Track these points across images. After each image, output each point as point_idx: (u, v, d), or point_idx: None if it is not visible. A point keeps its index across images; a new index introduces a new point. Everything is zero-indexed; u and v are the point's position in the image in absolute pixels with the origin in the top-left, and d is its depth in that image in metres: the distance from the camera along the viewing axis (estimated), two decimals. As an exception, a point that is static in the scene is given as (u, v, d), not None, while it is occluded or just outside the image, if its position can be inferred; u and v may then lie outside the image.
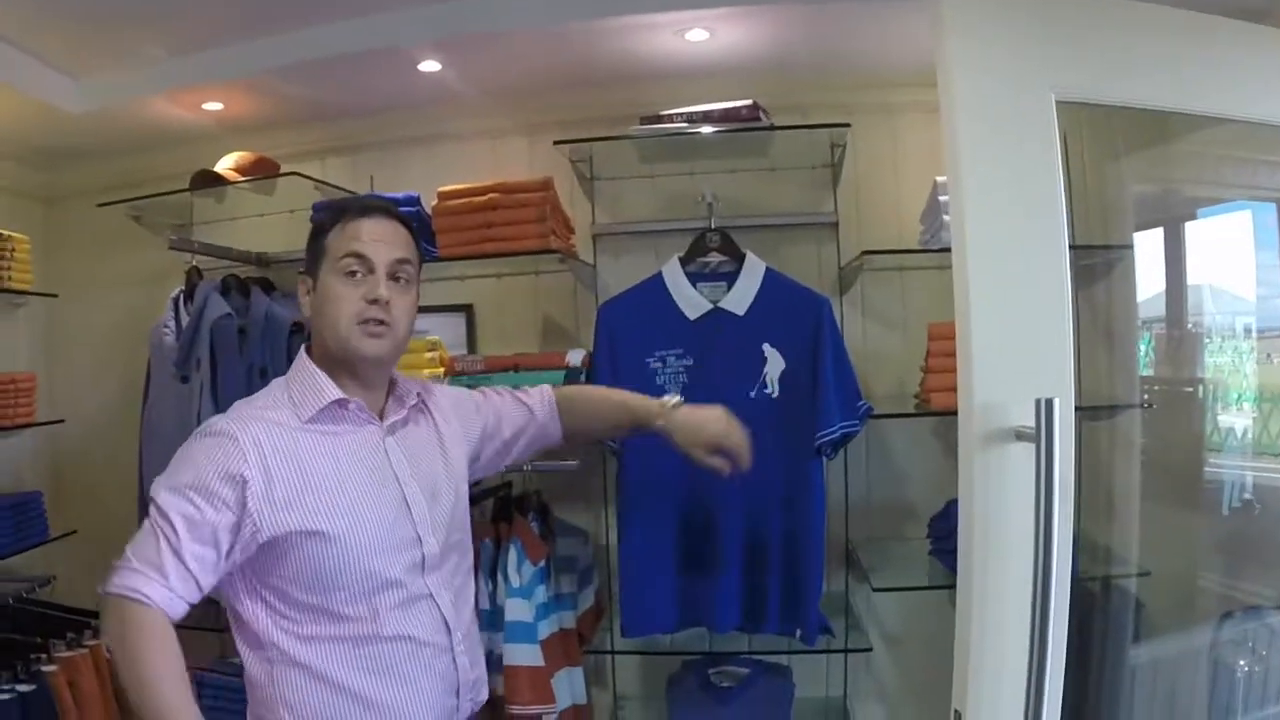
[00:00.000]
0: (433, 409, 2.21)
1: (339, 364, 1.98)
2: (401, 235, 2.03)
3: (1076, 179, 3.09)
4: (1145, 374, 3.31)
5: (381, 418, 2.05)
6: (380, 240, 1.97)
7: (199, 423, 3.17)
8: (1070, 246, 2.98)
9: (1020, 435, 2.01)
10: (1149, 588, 3.01)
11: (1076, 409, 2.83)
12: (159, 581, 1.69)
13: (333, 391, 1.95)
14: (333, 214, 2.04)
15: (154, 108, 3.70)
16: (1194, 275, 3.16)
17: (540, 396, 2.48)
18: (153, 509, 1.77)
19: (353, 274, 1.95)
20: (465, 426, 2.30)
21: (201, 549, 1.74)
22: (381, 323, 1.94)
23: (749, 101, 3.22)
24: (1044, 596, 1.91)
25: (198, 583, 1.74)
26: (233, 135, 3.94)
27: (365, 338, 1.94)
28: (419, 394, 2.17)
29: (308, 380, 1.98)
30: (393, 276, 1.97)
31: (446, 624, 1.99)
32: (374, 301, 1.93)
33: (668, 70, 3.46)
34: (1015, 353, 2.10)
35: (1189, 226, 3.19)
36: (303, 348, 2.06)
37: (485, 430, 2.35)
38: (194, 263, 3.62)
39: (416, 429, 2.14)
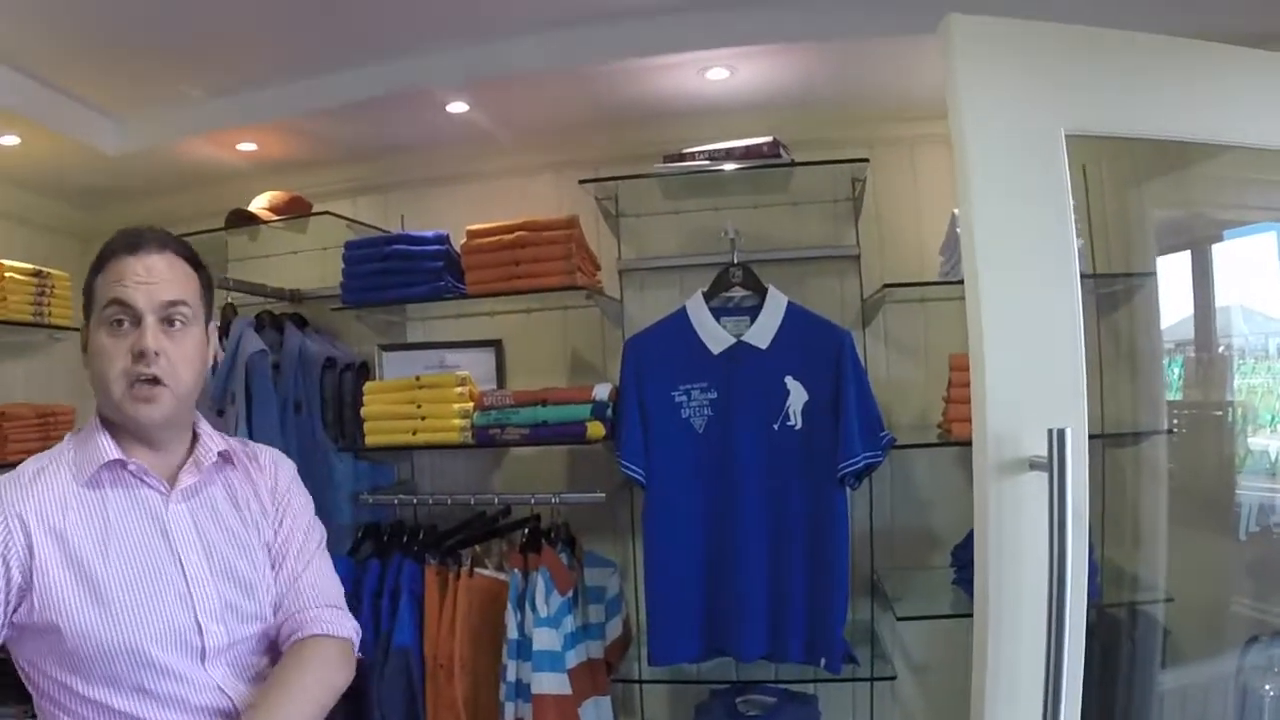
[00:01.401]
0: (248, 470, 1.94)
1: (120, 425, 1.75)
2: (178, 270, 1.76)
3: (1096, 207, 3.12)
4: (1174, 398, 3.31)
5: (174, 481, 1.78)
6: (146, 281, 1.70)
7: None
8: (1091, 275, 3.03)
9: (1034, 465, 2.03)
10: (1174, 614, 3.02)
11: (1099, 436, 2.87)
12: None
13: (110, 452, 1.71)
14: (105, 249, 1.76)
15: (190, 148, 3.78)
16: (1223, 297, 3.17)
17: (299, 620, 1.88)
18: None
19: (119, 323, 1.69)
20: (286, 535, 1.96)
21: None
22: (155, 381, 1.69)
23: (769, 138, 3.26)
24: (1058, 624, 1.93)
25: None
26: (266, 174, 4.04)
27: (137, 402, 1.69)
28: (222, 453, 1.87)
29: (89, 437, 1.74)
30: (166, 320, 1.71)
31: (237, 715, 1.70)
32: (141, 355, 1.67)
33: (690, 108, 3.51)
34: (1028, 383, 2.12)
35: (1215, 249, 3.19)
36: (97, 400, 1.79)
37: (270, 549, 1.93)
38: (229, 299, 3.70)
39: (216, 494, 1.85)
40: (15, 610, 1.61)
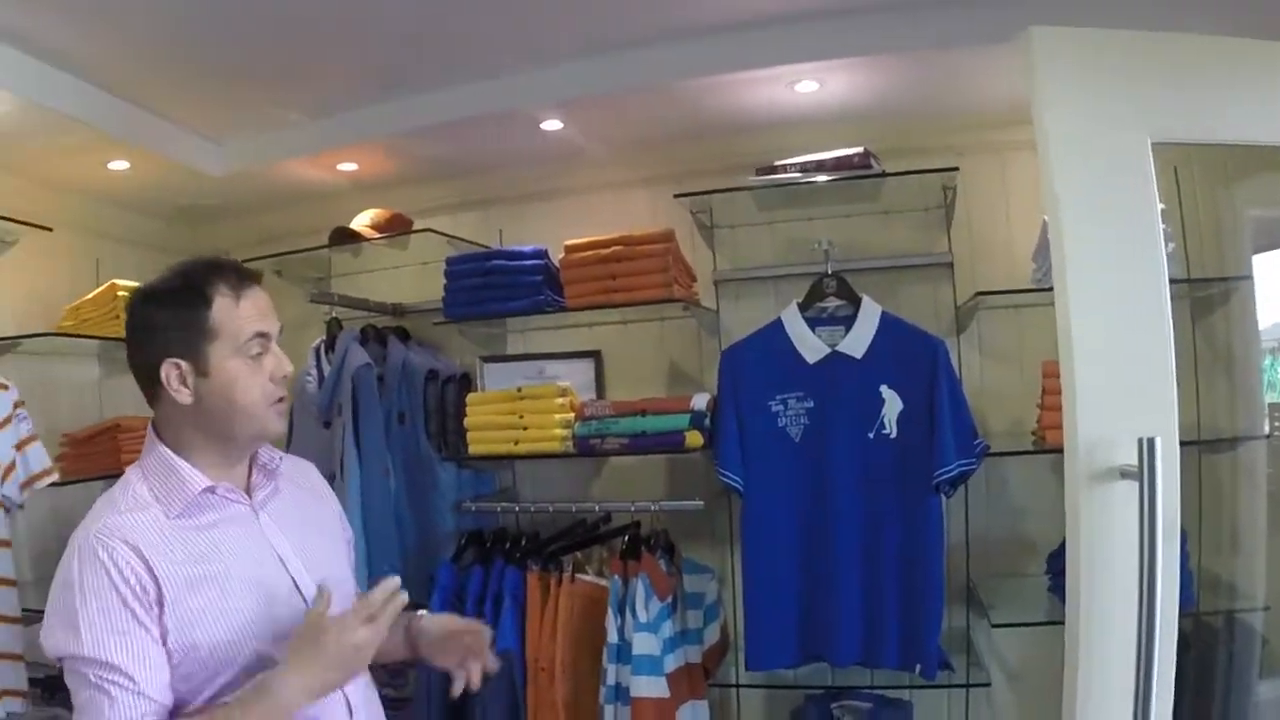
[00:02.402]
0: (296, 478, 2.04)
1: (216, 445, 1.79)
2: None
3: (1189, 209, 3.09)
4: (1277, 400, 3.26)
5: (249, 493, 1.86)
6: (269, 311, 1.81)
7: (341, 467, 3.34)
8: (1184, 279, 3.00)
9: (1125, 473, 2.05)
10: (1274, 622, 2.99)
11: (1194, 443, 2.85)
12: None
13: (199, 481, 1.75)
14: (207, 282, 1.77)
15: (291, 169, 3.90)
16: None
17: None
18: (74, 665, 1.61)
19: (258, 355, 1.78)
20: (341, 524, 2.15)
21: (151, 671, 1.61)
22: (283, 399, 1.82)
23: (860, 149, 3.27)
24: (1149, 633, 1.94)
25: (164, 705, 1.63)
26: (367, 192, 4.14)
27: (277, 419, 1.81)
28: (280, 458, 1.96)
29: (168, 472, 1.75)
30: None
31: (348, 702, 1.82)
32: (284, 378, 1.80)
33: (780, 120, 3.53)
34: (1118, 391, 2.15)
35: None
36: (151, 431, 1.81)
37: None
38: (333, 314, 3.81)
39: (286, 500, 1.94)
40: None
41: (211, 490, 1.77)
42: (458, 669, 1.98)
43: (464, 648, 1.98)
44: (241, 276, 1.80)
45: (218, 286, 1.77)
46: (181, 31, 2.90)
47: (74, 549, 1.66)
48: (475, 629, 1.99)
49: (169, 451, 1.77)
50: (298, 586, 1.80)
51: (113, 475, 3.48)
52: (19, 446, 3.06)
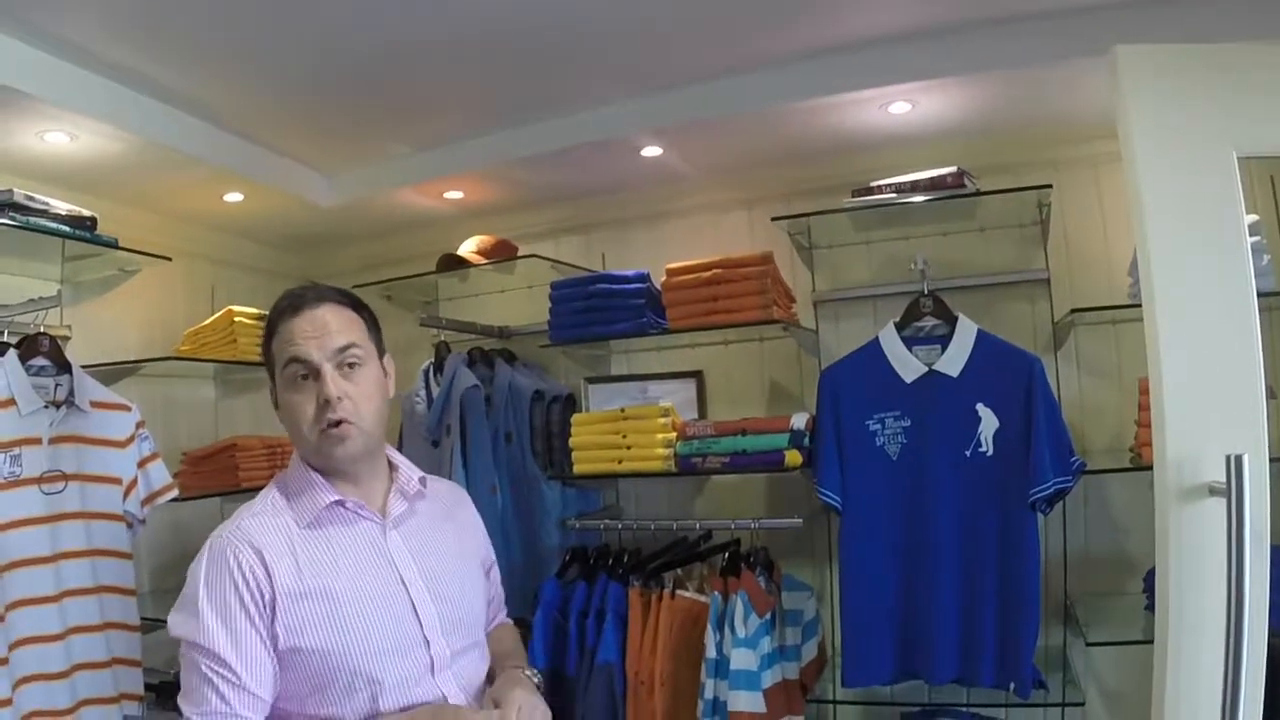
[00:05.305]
0: (443, 502, 2.14)
1: (323, 467, 1.91)
2: (342, 318, 1.91)
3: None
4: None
5: (384, 512, 1.95)
6: (315, 336, 1.85)
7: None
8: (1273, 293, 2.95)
9: (1214, 490, 2.05)
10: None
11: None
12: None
13: (328, 494, 1.87)
14: (274, 313, 1.93)
15: (398, 198, 4.05)
16: None
17: (496, 613, 2.34)
18: (189, 650, 1.73)
19: (302, 378, 1.85)
20: (483, 552, 2.25)
21: (257, 669, 1.72)
22: (342, 422, 1.84)
23: (953, 169, 3.28)
24: (1236, 652, 1.93)
25: (265, 701, 1.74)
26: (472, 218, 4.28)
27: (332, 443, 1.85)
28: (421, 479, 2.05)
29: (303, 484, 1.90)
30: (344, 365, 1.87)
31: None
32: (326, 403, 1.82)
33: (874, 140, 3.58)
34: (1206, 407, 2.14)
35: None
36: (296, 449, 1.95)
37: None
38: (442, 337, 3.92)
39: (422, 521, 2.02)
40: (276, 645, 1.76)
41: (341, 504, 1.88)
42: None
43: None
44: (290, 304, 1.91)
45: (275, 317, 1.92)
46: (296, 74, 3.07)
47: (208, 545, 1.81)
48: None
49: (304, 466, 1.92)
50: (415, 608, 1.86)
51: (230, 491, 3.68)
52: (141, 464, 3.17)
